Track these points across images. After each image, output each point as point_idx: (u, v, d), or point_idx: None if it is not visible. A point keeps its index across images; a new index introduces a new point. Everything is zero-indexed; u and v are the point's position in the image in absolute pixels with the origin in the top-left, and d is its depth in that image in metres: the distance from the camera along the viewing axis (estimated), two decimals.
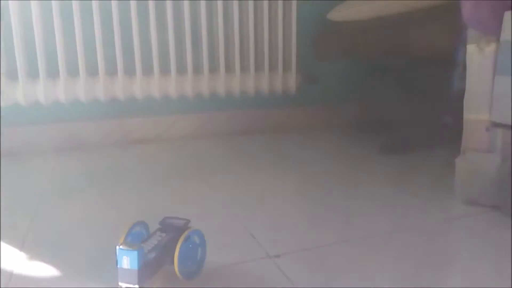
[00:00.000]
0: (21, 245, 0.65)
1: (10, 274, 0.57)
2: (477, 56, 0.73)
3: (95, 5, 1.26)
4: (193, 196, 0.87)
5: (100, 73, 1.30)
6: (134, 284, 0.47)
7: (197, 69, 1.43)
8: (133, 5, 1.29)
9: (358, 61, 1.28)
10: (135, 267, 0.46)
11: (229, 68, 1.48)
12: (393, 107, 1.82)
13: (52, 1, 1.22)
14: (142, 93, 1.36)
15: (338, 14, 1.34)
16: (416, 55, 1.03)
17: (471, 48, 0.75)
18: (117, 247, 0.47)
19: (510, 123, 0.69)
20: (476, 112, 0.75)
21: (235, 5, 1.41)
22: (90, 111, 1.39)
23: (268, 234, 0.68)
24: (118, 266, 0.47)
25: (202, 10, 1.38)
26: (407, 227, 0.70)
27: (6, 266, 0.59)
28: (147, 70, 1.37)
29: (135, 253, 0.46)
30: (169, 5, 1.33)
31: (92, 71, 1.31)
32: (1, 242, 0.66)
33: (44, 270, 0.58)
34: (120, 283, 0.47)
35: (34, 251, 0.63)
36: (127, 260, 0.46)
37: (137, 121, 1.45)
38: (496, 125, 0.73)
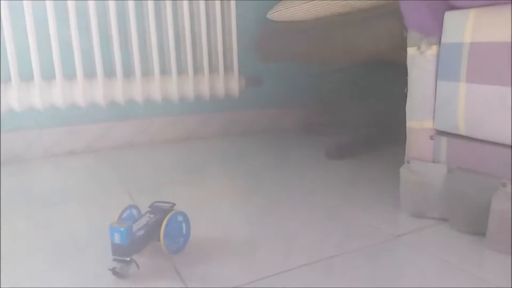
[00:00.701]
0: None
1: None
2: (418, 60, 0.68)
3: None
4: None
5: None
6: (124, 257, 0.54)
7: (129, 73, 1.31)
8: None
9: (302, 63, 1.22)
10: (125, 242, 0.54)
11: (165, 71, 1.37)
12: (341, 109, 1.79)
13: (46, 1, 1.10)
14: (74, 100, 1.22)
15: (278, 13, 1.27)
16: (357, 58, 0.98)
17: (411, 51, 0.70)
18: (109, 225, 0.54)
19: (454, 131, 0.65)
20: (419, 120, 0.70)
21: (168, 5, 1.29)
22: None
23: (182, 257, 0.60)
24: (110, 241, 0.54)
25: (130, 8, 1.25)
26: (353, 249, 0.64)
27: None
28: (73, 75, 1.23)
29: (124, 230, 0.53)
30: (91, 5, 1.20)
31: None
32: None
33: None
34: (113, 256, 0.55)
35: None
36: (117, 236, 0.54)
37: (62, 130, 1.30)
38: (440, 133, 0.68)
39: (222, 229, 0.72)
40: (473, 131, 0.61)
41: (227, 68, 1.46)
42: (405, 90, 0.73)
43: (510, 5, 0.55)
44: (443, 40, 0.64)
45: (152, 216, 0.62)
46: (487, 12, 0.58)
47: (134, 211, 0.65)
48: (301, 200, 0.85)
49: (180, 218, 0.63)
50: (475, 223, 0.63)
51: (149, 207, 0.64)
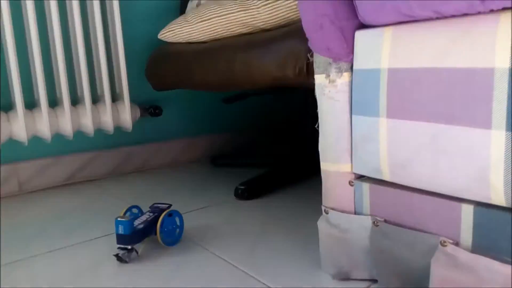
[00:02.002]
0: None
1: None
2: (328, 90, 0.56)
3: None
4: None
5: None
6: (126, 245, 0.68)
7: None
8: None
9: (201, 89, 1.06)
10: (127, 232, 0.67)
11: (32, 104, 1.11)
12: (251, 138, 1.66)
13: None
14: None
15: (171, 34, 1.10)
16: (262, 84, 0.84)
17: (320, 79, 0.57)
18: (115, 219, 0.67)
19: (378, 176, 0.53)
20: (334, 161, 0.57)
21: (32, 22, 1.05)
22: None
23: None
24: (115, 232, 0.68)
25: None
26: None
27: None
28: None
29: (127, 222, 0.67)
30: None
31: None
32: None
33: None
34: (117, 245, 0.68)
35: None
36: (121, 228, 0.67)
37: None
38: (361, 178, 0.56)
39: None
40: (399, 176, 0.50)
41: (117, 97, 1.24)
42: (316, 125, 0.60)
43: (432, 22, 0.44)
44: (355, 66, 0.52)
45: (151, 214, 0.74)
46: (405, 30, 0.47)
47: (136, 210, 0.79)
48: (196, 254, 0.67)
49: (174, 216, 0.76)
50: (409, 285, 0.51)
51: (150, 207, 0.79)
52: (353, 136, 0.54)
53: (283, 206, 0.95)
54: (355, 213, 0.57)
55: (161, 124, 1.41)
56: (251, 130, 1.65)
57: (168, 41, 1.12)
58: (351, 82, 0.54)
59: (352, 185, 0.56)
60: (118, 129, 1.29)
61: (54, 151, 1.21)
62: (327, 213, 0.60)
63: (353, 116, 0.54)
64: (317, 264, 0.65)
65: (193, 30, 1.04)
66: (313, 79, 0.76)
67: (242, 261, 0.68)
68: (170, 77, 1.08)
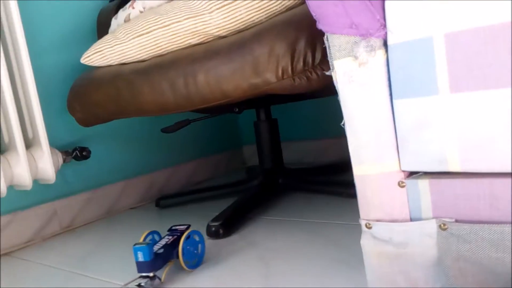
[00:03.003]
0: None
1: None
2: (357, 75, 0.46)
3: None
4: None
5: None
6: (148, 273, 0.62)
7: None
8: None
9: (148, 116, 0.89)
10: (147, 259, 0.61)
11: None
12: (197, 170, 1.49)
13: None
14: None
15: (98, 55, 0.91)
16: (232, 97, 0.72)
17: (343, 65, 0.47)
18: (133, 245, 0.62)
19: (440, 168, 0.43)
20: (375, 162, 0.47)
21: None
22: None
23: None
24: (135, 260, 0.62)
25: None
26: None
27: None
28: None
29: (146, 248, 0.61)
30: None
31: None
32: None
33: None
34: (138, 273, 0.63)
35: None
36: (140, 254, 0.62)
37: None
38: (415, 175, 0.46)
39: None
40: (474, 162, 0.41)
41: (30, 142, 0.99)
42: (342, 123, 0.49)
43: None
44: (391, 41, 0.43)
45: (170, 237, 0.69)
46: None
47: (155, 235, 0.73)
48: None
49: (195, 236, 0.72)
50: None
51: (168, 230, 0.72)
52: (399, 125, 0.45)
53: (271, 234, 0.81)
54: (411, 219, 0.46)
55: (89, 169, 1.17)
56: (194, 161, 1.49)
57: (95, 65, 0.93)
58: (387, 61, 0.45)
59: (403, 186, 0.46)
60: (35, 182, 1.03)
61: None
62: (370, 227, 0.49)
63: (395, 101, 0.45)
64: None
65: (128, 48, 0.87)
66: (299, 78, 0.66)
67: None
68: (104, 106, 0.89)
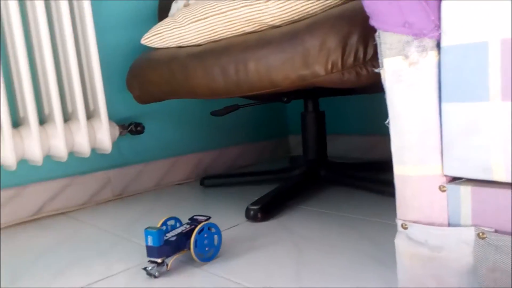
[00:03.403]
0: None
1: None
2: (407, 75, 0.46)
3: None
4: None
5: None
6: (156, 258, 0.62)
7: None
8: None
9: (200, 98, 0.93)
10: (156, 244, 0.62)
11: None
12: (243, 154, 1.53)
13: None
14: None
15: (157, 37, 0.96)
16: (280, 87, 0.73)
17: (392, 64, 0.47)
18: (144, 229, 0.62)
19: (484, 176, 0.43)
20: (418, 164, 0.47)
21: None
22: None
23: None
24: (145, 244, 0.62)
25: None
26: None
27: None
28: None
29: (156, 233, 0.62)
30: None
31: None
32: None
33: None
34: (148, 258, 0.63)
35: None
36: (150, 239, 0.62)
37: None
38: (458, 181, 0.46)
39: None
40: None
41: (92, 114, 1.07)
42: (386, 122, 0.49)
43: None
44: (445, 42, 0.43)
45: (187, 226, 0.69)
46: None
47: (174, 221, 0.72)
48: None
49: (211, 229, 0.69)
50: None
51: (189, 219, 0.72)
52: (446, 129, 0.44)
53: (307, 223, 0.83)
54: (449, 225, 0.46)
55: (142, 143, 1.24)
56: (241, 145, 1.52)
57: (154, 46, 0.98)
58: (439, 62, 0.44)
59: (444, 191, 0.46)
60: (93, 151, 1.11)
61: (19, 180, 1.01)
62: (406, 227, 0.49)
63: (444, 104, 0.44)
64: None
65: (185, 32, 0.91)
66: (349, 73, 0.66)
67: None
68: (159, 86, 0.94)
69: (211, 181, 1.26)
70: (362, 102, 1.48)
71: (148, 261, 0.63)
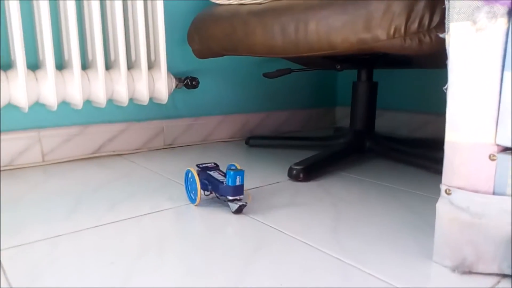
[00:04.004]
0: None
1: None
2: (472, 40, 0.46)
3: None
4: None
5: None
6: (241, 195, 0.70)
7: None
8: None
9: (257, 55, 0.95)
10: (243, 182, 0.69)
11: (64, 65, 1.00)
12: (288, 119, 1.56)
13: None
14: None
15: None
16: (339, 49, 0.74)
17: (458, 28, 0.47)
18: (227, 171, 0.69)
19: None
20: (470, 131, 0.47)
21: None
22: None
23: None
24: (231, 184, 0.68)
25: None
26: None
27: None
28: None
29: (242, 172, 0.68)
30: None
31: None
32: None
33: None
34: (232, 197, 0.69)
35: None
36: (239, 179, 0.68)
37: None
38: (506, 151, 0.46)
39: None
40: None
41: (152, 64, 1.13)
42: (445, 87, 0.50)
43: None
44: None
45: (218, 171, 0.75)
46: None
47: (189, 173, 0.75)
48: (275, 238, 0.57)
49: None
50: None
51: (197, 166, 0.77)
52: (504, 98, 0.44)
53: (347, 188, 0.85)
54: (494, 193, 0.47)
55: (195, 98, 1.30)
56: (287, 111, 1.55)
57: (218, 2, 1.01)
58: (507, 30, 0.43)
59: (493, 160, 0.46)
60: (150, 100, 1.18)
61: (82, 120, 1.10)
62: (449, 193, 0.50)
63: (505, 73, 0.44)
64: (421, 253, 0.55)
65: None
66: (411, 39, 0.65)
67: (330, 247, 0.58)
68: (219, 41, 0.97)
69: (256, 141, 1.30)
70: (414, 77, 1.45)
71: (234, 199, 0.69)
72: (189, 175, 0.74)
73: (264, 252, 0.56)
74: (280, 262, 0.53)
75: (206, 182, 0.73)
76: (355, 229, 0.64)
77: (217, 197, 0.74)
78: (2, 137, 0.97)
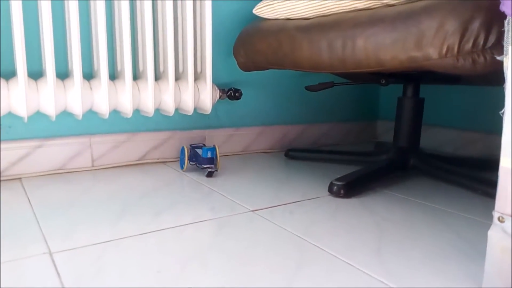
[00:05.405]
0: None
1: None
2: None
3: None
4: None
5: None
6: (211, 165, 1.01)
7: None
8: None
9: (301, 70, 0.96)
10: (213, 156, 1.00)
11: (116, 76, 1.05)
12: (327, 133, 1.55)
13: None
14: None
15: (268, 8, 1.00)
16: (387, 67, 0.73)
17: None
18: (202, 147, 1.01)
19: None
20: None
21: None
22: None
23: None
24: (203, 156, 1.00)
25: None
26: None
27: None
28: None
29: (214, 148, 1.00)
30: None
31: None
32: None
33: None
34: (204, 165, 1.01)
35: None
36: (210, 153, 0.99)
37: None
38: None
39: None
40: None
41: (197, 76, 1.16)
42: (501, 111, 0.48)
43: None
44: None
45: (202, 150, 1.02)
46: None
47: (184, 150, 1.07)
48: (314, 255, 0.56)
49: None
50: None
51: (194, 147, 1.07)
52: None
53: (390, 207, 0.83)
54: None
55: (236, 109, 1.32)
56: (327, 123, 1.54)
57: (264, 16, 1.03)
58: None
59: None
60: (194, 110, 1.21)
61: (131, 128, 1.15)
62: (502, 221, 0.48)
63: None
64: (469, 282, 0.53)
65: (295, 5, 0.94)
66: (464, 59, 0.64)
67: (374, 269, 0.57)
68: (266, 55, 0.99)
69: (296, 153, 1.30)
70: (463, 94, 1.40)
71: (206, 167, 1.00)
72: (184, 151, 1.06)
73: (307, 271, 0.56)
74: (323, 283, 0.53)
75: (193, 156, 1.05)
76: (399, 251, 0.63)
77: (197, 165, 1.04)
78: (55, 142, 1.03)
